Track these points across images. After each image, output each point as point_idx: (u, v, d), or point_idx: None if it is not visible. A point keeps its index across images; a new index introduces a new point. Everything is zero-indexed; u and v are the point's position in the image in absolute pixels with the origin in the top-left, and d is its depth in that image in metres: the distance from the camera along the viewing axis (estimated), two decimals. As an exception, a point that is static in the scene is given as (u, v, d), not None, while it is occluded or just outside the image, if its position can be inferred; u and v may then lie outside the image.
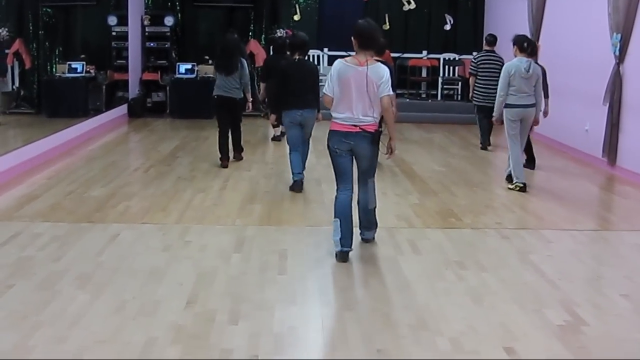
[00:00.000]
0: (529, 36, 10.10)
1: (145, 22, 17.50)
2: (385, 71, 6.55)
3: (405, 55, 18.23)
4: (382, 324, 5.25)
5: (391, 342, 4.94)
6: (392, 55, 17.83)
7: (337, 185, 6.80)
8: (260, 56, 16.87)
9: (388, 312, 5.45)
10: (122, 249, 6.85)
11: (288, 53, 10.28)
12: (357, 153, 6.65)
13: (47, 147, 11.27)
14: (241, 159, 11.36)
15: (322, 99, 6.85)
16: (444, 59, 18.14)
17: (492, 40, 13.27)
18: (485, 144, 13.22)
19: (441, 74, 18.10)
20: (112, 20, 16.71)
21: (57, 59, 14.87)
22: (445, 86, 18.14)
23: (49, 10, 14.30)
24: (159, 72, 17.36)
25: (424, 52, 18.37)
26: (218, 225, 7.71)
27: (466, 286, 6.07)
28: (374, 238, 7.19)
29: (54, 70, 14.68)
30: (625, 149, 11.00)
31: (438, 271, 6.43)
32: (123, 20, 16.62)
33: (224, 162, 10.88)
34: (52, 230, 7.38)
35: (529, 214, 8.71)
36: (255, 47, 17.17)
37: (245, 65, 10.92)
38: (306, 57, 9.98)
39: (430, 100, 18.01)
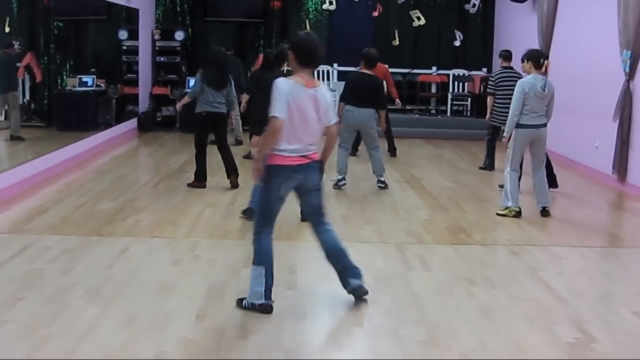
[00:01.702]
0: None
1: (156, 37, 17.57)
2: (330, 95, 5.84)
3: (415, 71, 18.24)
4: (392, 339, 5.24)
5: (401, 358, 4.93)
6: (400, 70, 17.94)
7: (260, 226, 5.85)
8: (270, 71, 16.89)
9: (398, 328, 5.44)
10: (131, 262, 6.85)
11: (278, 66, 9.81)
12: (306, 188, 5.82)
13: (57, 160, 11.30)
14: (237, 185, 10.39)
15: (270, 124, 5.49)
16: (454, 75, 18.14)
17: (508, 55, 12.39)
18: (490, 167, 12.78)
19: (451, 90, 18.08)
20: (123, 34, 16.78)
21: (67, 73, 14.88)
22: (454, 102, 18.08)
23: (60, 24, 14.32)
24: (169, 87, 17.42)
25: (434, 68, 18.38)
26: (227, 240, 7.71)
27: (476, 302, 6.06)
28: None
29: (64, 83, 14.69)
30: (635, 165, 10.97)
31: (448, 287, 6.42)
32: (133, 35, 16.69)
33: (203, 184, 10.37)
34: (62, 243, 7.39)
35: (538, 230, 8.67)
36: (265, 62, 17.20)
37: (232, 80, 10.54)
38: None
39: (439, 116, 17.98)
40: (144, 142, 15.36)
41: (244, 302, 5.73)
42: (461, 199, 10.11)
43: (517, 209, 9.14)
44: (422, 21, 18.59)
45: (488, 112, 12.04)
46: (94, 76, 14.85)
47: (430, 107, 18.60)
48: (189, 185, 10.35)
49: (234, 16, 18.20)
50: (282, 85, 5.48)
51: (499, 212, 9.23)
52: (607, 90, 11.62)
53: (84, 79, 14.69)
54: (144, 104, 17.11)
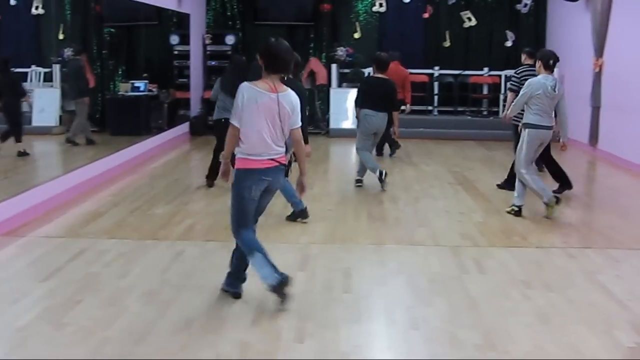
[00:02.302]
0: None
1: (207, 41, 17.70)
2: (297, 100, 5.86)
3: (466, 72, 18.13)
4: (449, 343, 5.20)
5: (459, 362, 4.91)
6: (451, 72, 17.89)
7: (239, 226, 5.99)
8: (321, 74, 16.92)
9: (454, 332, 5.40)
10: (187, 266, 6.89)
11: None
12: (269, 190, 5.99)
13: (111, 165, 11.42)
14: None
15: (228, 130, 5.80)
16: (506, 76, 17.96)
17: (533, 52, 12.13)
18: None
19: (503, 91, 17.92)
20: (174, 39, 16.92)
21: (120, 78, 15.03)
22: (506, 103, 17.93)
23: (112, 30, 14.47)
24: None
25: (485, 69, 18.25)
26: (282, 243, 7.72)
27: (533, 306, 5.99)
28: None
29: (117, 89, 14.83)
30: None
31: (504, 290, 6.35)
32: (185, 39, 16.82)
33: (212, 182, 10.67)
34: (118, 247, 7.46)
35: (595, 232, 8.56)
36: (315, 65, 17.22)
37: None
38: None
39: (491, 118, 17.82)
40: (196, 146, 15.46)
41: (269, 287, 5.80)
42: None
43: (518, 208, 9.21)
44: (473, 22, 18.49)
45: (508, 109, 11.72)
46: (146, 81, 14.97)
47: (482, 109, 18.45)
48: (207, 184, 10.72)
49: (284, 19, 18.23)
50: (244, 92, 5.67)
51: (507, 209, 9.33)
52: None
53: (136, 84, 14.82)
54: (195, 108, 17.23)
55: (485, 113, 18.35)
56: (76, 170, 10.31)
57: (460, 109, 18.06)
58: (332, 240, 7.91)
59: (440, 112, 18.32)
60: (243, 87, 5.67)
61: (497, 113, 17.96)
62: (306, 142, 8.62)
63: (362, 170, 11.02)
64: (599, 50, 14.27)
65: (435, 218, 9.03)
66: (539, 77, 8.97)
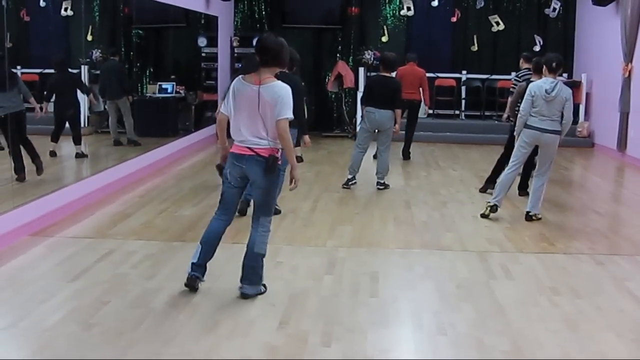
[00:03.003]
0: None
1: (234, 44, 17.74)
2: (281, 91, 5.88)
3: (494, 76, 18.05)
4: (476, 349, 5.18)
5: (486, 369, 4.89)
6: (479, 76, 17.84)
7: (217, 209, 6.36)
8: (348, 77, 16.91)
9: (482, 338, 5.37)
10: (214, 268, 6.86)
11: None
12: (251, 181, 6.08)
13: (138, 166, 11.48)
14: None
15: (218, 119, 6.29)
16: (513, 78, 17.88)
17: (531, 57, 12.14)
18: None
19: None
20: (202, 41, 16.98)
21: (148, 80, 15.09)
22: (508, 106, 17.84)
23: (140, 32, 14.53)
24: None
25: (513, 74, 18.12)
26: (309, 247, 7.72)
27: (561, 312, 5.95)
28: (256, 295, 6.16)
29: (145, 90, 14.89)
30: None
31: (532, 297, 6.32)
32: (212, 42, 16.88)
33: None
34: (145, 249, 7.49)
35: (623, 239, 8.50)
36: (343, 68, 17.22)
37: None
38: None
39: (519, 123, 17.69)
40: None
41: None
42: (542, 207, 9.91)
43: (494, 206, 9.29)
44: (501, 26, 18.42)
45: (507, 111, 12.13)
46: (174, 83, 15.03)
47: (509, 114, 18.32)
48: None
49: (312, 23, 18.24)
50: (233, 82, 6.10)
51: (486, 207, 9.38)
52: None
53: (163, 86, 14.88)
54: (222, 111, 17.24)
55: (512, 118, 18.21)
56: (104, 171, 10.37)
57: (487, 113, 17.98)
58: (358, 244, 7.90)
59: (467, 116, 18.25)
60: (234, 81, 6.08)
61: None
62: (304, 132, 8.73)
63: (382, 171, 11.11)
64: (629, 56, 14.18)
65: (462, 223, 9.00)
66: (539, 80, 9.11)
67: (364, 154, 11.17)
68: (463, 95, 18.24)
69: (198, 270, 6.20)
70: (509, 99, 12.16)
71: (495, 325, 5.64)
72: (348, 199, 10.05)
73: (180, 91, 15.32)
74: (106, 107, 12.44)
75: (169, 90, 14.88)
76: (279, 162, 6.00)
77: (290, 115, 5.89)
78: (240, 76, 6.06)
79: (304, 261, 7.16)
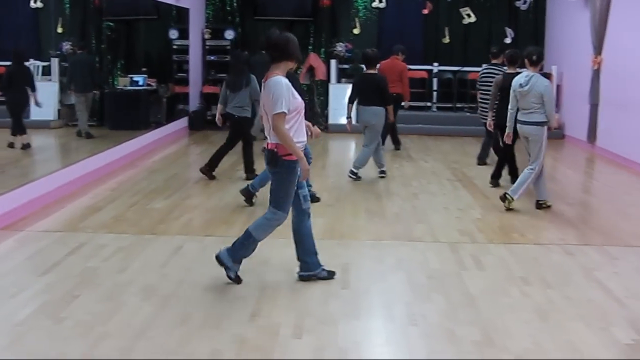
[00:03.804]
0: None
1: (206, 36, 17.70)
2: (275, 87, 5.90)
3: (465, 68, 18.09)
4: (447, 340, 5.20)
5: (456, 358, 4.90)
6: (450, 68, 17.89)
7: None
8: (320, 69, 16.90)
9: (453, 328, 5.40)
10: (185, 261, 6.89)
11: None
12: None
13: (110, 159, 11.43)
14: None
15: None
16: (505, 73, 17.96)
17: (496, 53, 12.62)
18: (482, 161, 12.87)
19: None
20: (173, 33, 16.94)
21: (119, 72, 15.02)
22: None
23: (111, 24, 14.46)
24: (220, 85, 17.47)
25: (484, 66, 18.17)
26: (280, 239, 7.69)
27: (531, 302, 5.99)
28: (226, 268, 6.25)
29: (116, 83, 14.82)
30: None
31: (502, 287, 6.36)
32: (184, 34, 16.83)
33: (253, 175, 10.69)
34: (117, 242, 7.46)
35: (593, 230, 8.55)
36: (315, 60, 17.20)
37: (255, 81, 10.52)
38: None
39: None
40: (194, 140, 15.47)
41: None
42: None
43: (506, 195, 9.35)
44: (473, 18, 18.50)
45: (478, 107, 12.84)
46: (145, 75, 14.97)
47: (480, 105, 18.41)
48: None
49: (284, 15, 18.20)
50: (284, 82, 5.97)
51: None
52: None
53: (135, 79, 14.81)
54: (194, 103, 17.23)
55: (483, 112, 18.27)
56: (75, 164, 10.30)
57: (459, 105, 18.05)
58: (330, 236, 7.91)
59: (439, 108, 18.30)
60: (281, 79, 5.98)
61: (496, 110, 17.91)
62: (314, 124, 8.83)
63: (359, 163, 11.19)
64: (598, 48, 14.27)
65: (434, 214, 9.04)
66: (518, 75, 9.30)
67: (379, 147, 11.37)
68: (434, 87, 18.27)
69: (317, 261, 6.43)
70: (478, 96, 12.64)
71: (466, 315, 5.67)
72: (321, 191, 10.04)
73: (152, 84, 15.27)
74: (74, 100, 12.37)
75: (140, 83, 14.82)
76: (283, 158, 6.00)
77: (279, 110, 5.84)
78: None
79: (276, 253, 7.15)
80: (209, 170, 10.87)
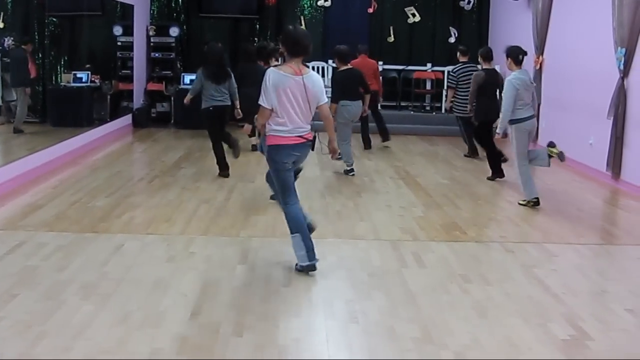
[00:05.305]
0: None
1: (151, 33, 17.56)
2: (319, 79, 6.56)
3: (410, 67, 18.21)
4: (387, 337, 5.24)
5: (396, 356, 4.94)
6: (395, 67, 17.99)
7: (284, 199, 6.66)
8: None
9: (393, 325, 5.44)
10: (126, 259, 6.85)
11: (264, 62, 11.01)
12: (297, 163, 6.72)
13: (51, 157, 11.29)
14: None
15: (259, 112, 6.46)
16: (448, 72, 18.07)
17: (466, 51, 13.56)
18: (474, 154, 13.53)
19: (445, 87, 18.04)
20: (118, 30, 16.78)
21: (62, 69, 14.86)
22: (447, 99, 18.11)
23: (54, 19, 14.30)
24: (164, 83, 17.41)
25: (429, 65, 18.37)
26: (222, 237, 7.71)
27: (471, 300, 6.06)
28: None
29: (59, 79, 14.67)
30: (629, 162, 10.98)
31: (443, 284, 6.42)
32: (128, 31, 16.69)
33: (226, 172, 10.89)
34: (57, 240, 7.38)
35: (533, 227, 8.68)
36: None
37: (231, 73, 10.83)
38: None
39: (434, 113, 17.94)
40: (138, 138, 15.35)
41: (296, 267, 6.60)
42: (455, 195, 10.11)
43: (536, 199, 9.54)
44: (417, 18, 18.63)
45: (448, 103, 13.81)
46: (89, 72, 14.84)
47: (425, 104, 18.55)
48: (219, 175, 10.88)
49: (229, 12, 18.16)
50: (271, 77, 6.31)
51: (521, 202, 9.69)
52: (601, 88, 11.62)
53: (78, 75, 14.68)
54: (138, 100, 17.10)
55: (428, 108, 18.46)
56: (15, 161, 10.18)
57: (403, 103, 18.16)
58: (272, 234, 7.91)
59: (383, 106, 18.34)
60: (270, 73, 6.34)
61: (439, 108, 18.08)
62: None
63: (348, 159, 11.54)
64: (540, 48, 14.46)
65: (377, 212, 9.09)
66: (515, 73, 9.66)
67: (350, 144, 11.61)
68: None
69: (313, 256, 6.56)
70: (449, 92, 13.43)
71: (407, 312, 5.72)
72: (263, 190, 10.00)
73: (96, 80, 15.14)
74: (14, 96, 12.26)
75: (83, 80, 14.69)
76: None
77: (327, 99, 6.69)
78: (275, 69, 6.43)
79: (217, 251, 7.15)
80: (224, 171, 10.95)
